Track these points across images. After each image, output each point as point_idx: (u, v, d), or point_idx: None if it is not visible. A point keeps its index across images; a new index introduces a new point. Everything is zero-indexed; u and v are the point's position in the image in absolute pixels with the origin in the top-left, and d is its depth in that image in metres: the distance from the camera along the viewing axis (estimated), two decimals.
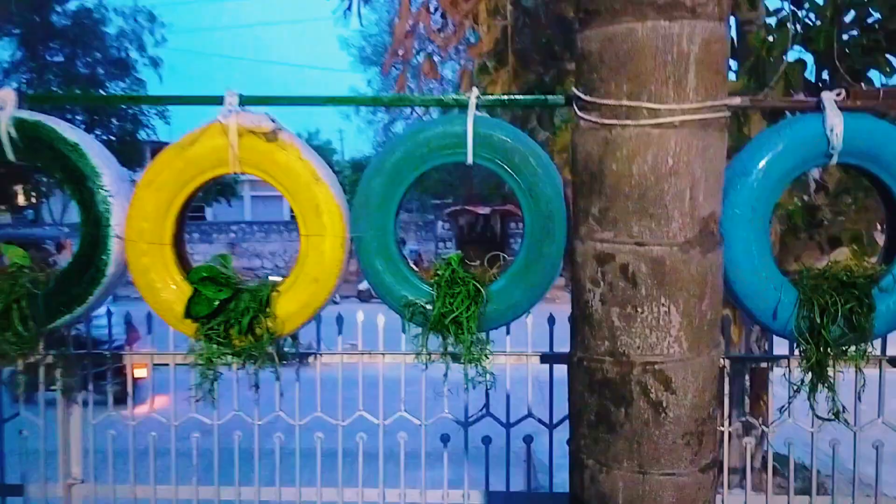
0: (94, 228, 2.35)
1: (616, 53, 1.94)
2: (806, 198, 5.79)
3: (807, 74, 5.03)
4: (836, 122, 2.16)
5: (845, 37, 5.07)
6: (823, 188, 5.75)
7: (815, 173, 5.61)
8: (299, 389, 3.02)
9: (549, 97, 2.45)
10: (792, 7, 5.01)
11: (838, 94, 2.24)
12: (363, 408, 3.06)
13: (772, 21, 5.34)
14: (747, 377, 3.19)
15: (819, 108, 2.23)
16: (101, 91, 28.76)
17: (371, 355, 3.02)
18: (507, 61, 4.54)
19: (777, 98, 3.48)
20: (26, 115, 2.36)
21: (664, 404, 1.98)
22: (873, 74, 4.72)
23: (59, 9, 28.86)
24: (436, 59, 5.29)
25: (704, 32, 1.90)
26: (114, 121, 30.35)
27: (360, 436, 3.05)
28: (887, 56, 4.83)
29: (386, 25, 27.62)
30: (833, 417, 2.36)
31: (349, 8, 4.37)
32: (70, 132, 2.36)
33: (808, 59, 5.12)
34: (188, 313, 2.26)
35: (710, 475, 2.08)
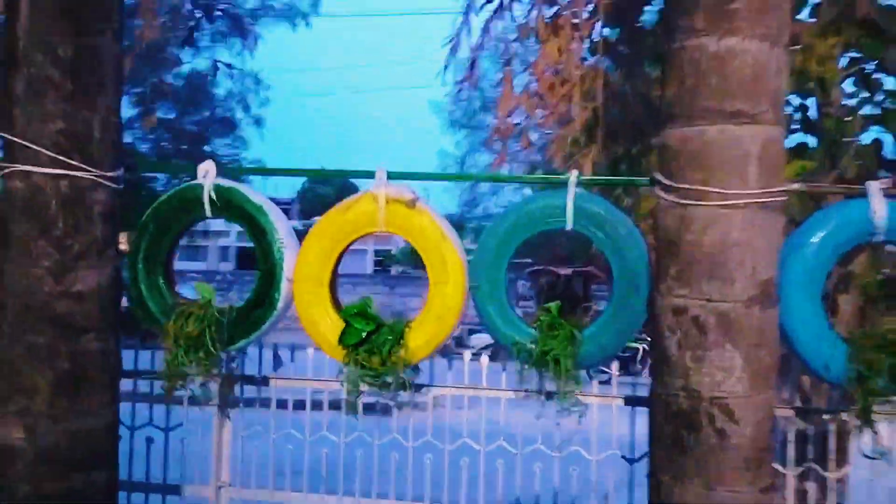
0: (269, 272, 2.99)
1: (691, 148, 2.46)
2: (886, 271, 6.03)
3: (890, 153, 5.39)
4: (878, 206, 2.60)
5: None
6: None
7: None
8: (413, 417, 3.55)
9: (637, 179, 2.98)
10: (866, 91, 5.41)
11: (884, 183, 2.67)
12: (466, 438, 3.56)
13: (851, 101, 5.73)
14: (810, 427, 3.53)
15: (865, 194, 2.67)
16: (206, 147, 30.87)
17: (476, 389, 3.54)
18: (597, 137, 5.08)
19: (831, 183, 3.87)
20: (222, 181, 3.05)
21: (727, 432, 2.42)
22: None
23: (174, 70, 31.14)
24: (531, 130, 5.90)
25: (763, 134, 2.40)
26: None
27: (463, 460, 3.54)
28: None
29: (475, 90, 28.87)
30: (877, 457, 2.72)
31: (460, 91, 5.04)
32: (255, 196, 3.03)
33: (889, 138, 5.48)
34: (341, 341, 2.85)
35: (769, 497, 2.48)
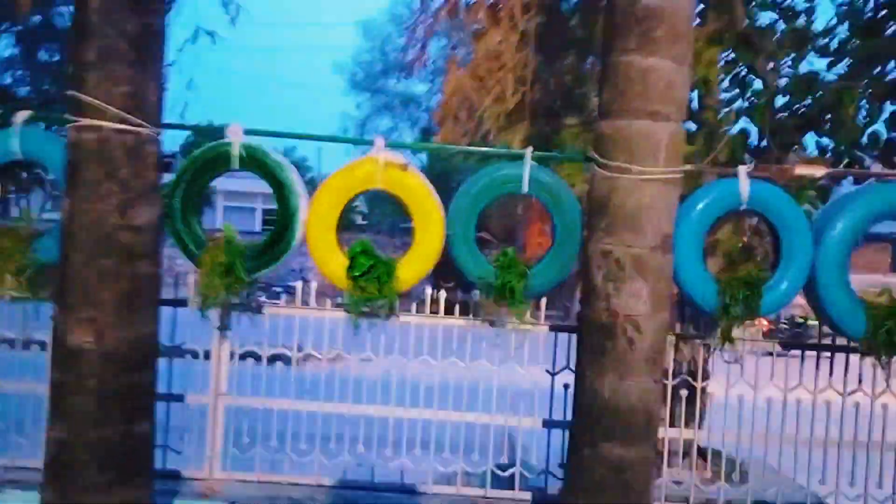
0: (286, 216, 3.73)
1: (620, 136, 3.41)
2: (745, 238, 7.39)
3: (754, 141, 6.67)
4: (744, 185, 3.66)
5: (783, 115, 6.71)
6: (758, 233, 7.35)
7: (753, 221, 7.22)
8: (384, 338, 4.41)
9: (574, 154, 3.92)
10: (738, 90, 6.66)
11: (749, 168, 3.74)
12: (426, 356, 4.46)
13: (727, 96, 6.98)
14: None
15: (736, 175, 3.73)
16: None
17: (436, 318, 4.42)
18: (525, 117, 6.04)
19: (708, 165, 4.96)
20: (250, 141, 3.74)
21: (635, 340, 3.42)
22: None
23: (62, 9, 29.52)
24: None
25: (670, 129, 3.38)
26: None
27: (423, 372, 4.44)
28: (809, 134, 6.54)
29: (378, 53, 29.38)
30: (733, 361, 3.85)
31: (408, 68, 5.83)
32: (275, 155, 3.75)
33: (755, 130, 6.76)
34: (350, 271, 3.66)
35: (660, 385, 3.52)
